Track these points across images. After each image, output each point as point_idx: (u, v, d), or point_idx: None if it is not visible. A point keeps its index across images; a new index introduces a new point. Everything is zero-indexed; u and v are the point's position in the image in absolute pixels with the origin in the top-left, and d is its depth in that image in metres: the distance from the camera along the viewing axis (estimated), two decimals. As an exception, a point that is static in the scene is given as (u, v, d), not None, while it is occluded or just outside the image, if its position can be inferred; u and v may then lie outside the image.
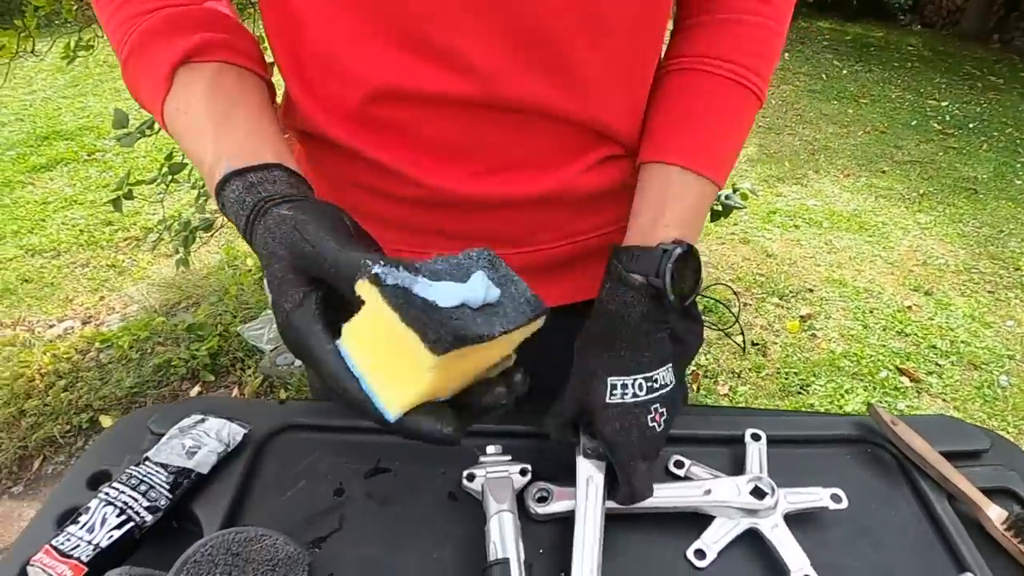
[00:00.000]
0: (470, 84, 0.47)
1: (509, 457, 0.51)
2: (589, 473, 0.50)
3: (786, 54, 5.24)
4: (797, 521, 0.50)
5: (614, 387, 0.48)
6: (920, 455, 0.56)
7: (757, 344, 2.09)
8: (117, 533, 0.44)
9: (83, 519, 0.44)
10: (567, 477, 0.51)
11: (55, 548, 0.42)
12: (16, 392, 1.82)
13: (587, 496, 0.49)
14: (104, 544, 0.43)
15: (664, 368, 0.50)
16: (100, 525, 0.44)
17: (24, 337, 2.09)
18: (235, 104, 0.44)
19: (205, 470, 0.50)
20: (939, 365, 2.04)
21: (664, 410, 0.49)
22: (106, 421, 1.78)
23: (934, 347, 2.11)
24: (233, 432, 0.53)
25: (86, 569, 0.41)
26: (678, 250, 0.47)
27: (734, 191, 1.59)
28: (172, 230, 1.80)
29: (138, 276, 2.45)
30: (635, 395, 0.48)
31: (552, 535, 0.49)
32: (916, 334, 2.16)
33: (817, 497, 0.52)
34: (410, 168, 0.52)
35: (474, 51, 0.45)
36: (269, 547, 0.43)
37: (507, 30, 0.45)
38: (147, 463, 0.49)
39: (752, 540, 0.50)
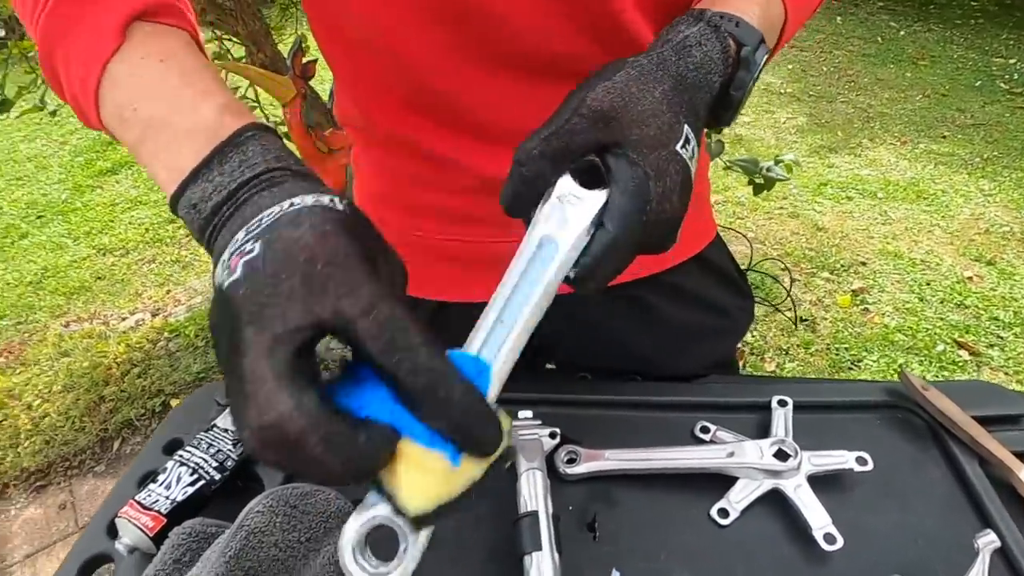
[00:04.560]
0: (522, 55, 0.46)
1: (539, 422, 0.55)
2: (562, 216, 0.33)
3: (838, 18, 5.01)
4: (821, 482, 0.52)
5: (686, 140, 0.35)
6: (950, 419, 0.56)
7: (806, 320, 2.05)
8: (191, 489, 0.49)
9: (161, 478, 0.50)
10: (595, 441, 0.54)
11: (138, 502, 0.48)
12: (95, 380, 1.97)
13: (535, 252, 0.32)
14: (180, 498, 0.49)
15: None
16: (176, 483, 0.50)
17: (100, 330, 2.26)
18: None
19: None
20: (1001, 337, 1.95)
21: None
22: (177, 404, 1.92)
23: (996, 319, 2.02)
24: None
25: (165, 520, 0.47)
26: (764, 56, 0.39)
27: (776, 163, 1.56)
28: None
29: (201, 270, 2.59)
30: (690, 157, 0.35)
31: (580, 493, 0.52)
32: (977, 306, 2.07)
33: (842, 460, 0.53)
34: (465, 156, 0.52)
35: (524, 17, 0.45)
36: (322, 501, 0.48)
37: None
38: (215, 429, 0.54)
39: (775, 500, 0.51)
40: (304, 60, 1.44)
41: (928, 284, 2.19)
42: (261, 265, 0.26)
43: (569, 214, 0.32)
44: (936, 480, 0.53)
